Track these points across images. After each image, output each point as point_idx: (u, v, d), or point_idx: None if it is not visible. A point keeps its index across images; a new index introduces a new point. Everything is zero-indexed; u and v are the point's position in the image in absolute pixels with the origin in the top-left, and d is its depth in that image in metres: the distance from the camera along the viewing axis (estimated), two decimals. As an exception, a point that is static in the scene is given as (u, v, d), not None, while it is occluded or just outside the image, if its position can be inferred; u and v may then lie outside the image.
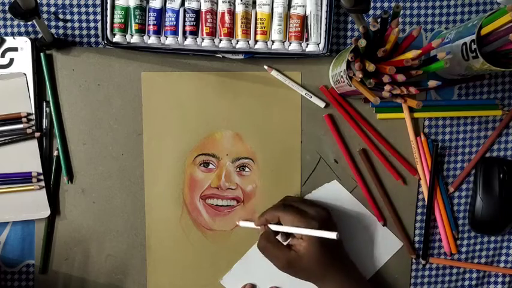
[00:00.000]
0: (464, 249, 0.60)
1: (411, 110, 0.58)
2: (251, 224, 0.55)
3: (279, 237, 0.53)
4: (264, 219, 0.53)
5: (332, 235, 0.45)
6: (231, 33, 0.55)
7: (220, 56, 0.56)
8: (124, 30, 0.54)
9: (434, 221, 0.59)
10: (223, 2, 0.54)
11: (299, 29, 0.54)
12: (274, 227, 0.52)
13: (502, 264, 0.60)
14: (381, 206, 0.59)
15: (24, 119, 0.55)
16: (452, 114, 0.58)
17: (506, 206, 0.57)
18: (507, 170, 0.57)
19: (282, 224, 0.52)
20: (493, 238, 0.60)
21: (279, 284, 0.58)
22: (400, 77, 0.44)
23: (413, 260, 0.59)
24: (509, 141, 0.59)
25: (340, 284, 0.51)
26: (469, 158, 0.59)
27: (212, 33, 0.54)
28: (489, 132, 0.59)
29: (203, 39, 0.55)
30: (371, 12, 0.57)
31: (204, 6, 0.54)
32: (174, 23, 0.54)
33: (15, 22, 0.56)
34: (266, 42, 0.55)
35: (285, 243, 0.52)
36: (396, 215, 0.59)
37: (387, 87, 0.45)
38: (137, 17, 0.53)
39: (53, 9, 0.56)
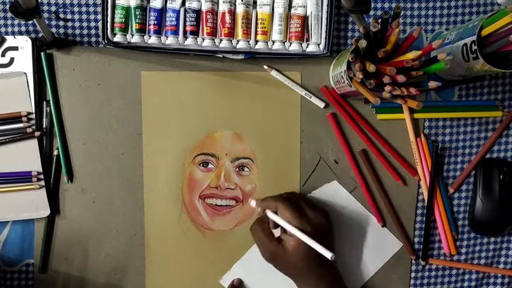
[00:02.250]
0: (463, 250, 0.60)
1: (411, 110, 0.58)
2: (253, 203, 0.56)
3: (272, 226, 0.53)
4: (264, 203, 0.54)
5: (328, 255, 0.45)
6: (231, 33, 0.55)
7: (220, 56, 0.56)
8: (124, 29, 0.54)
9: (434, 221, 0.59)
10: (224, 2, 0.54)
11: (299, 29, 0.54)
12: (271, 215, 0.52)
13: (501, 266, 0.60)
14: (381, 206, 0.59)
15: (24, 118, 0.55)
16: (452, 115, 0.58)
17: (506, 207, 0.57)
18: (507, 171, 0.57)
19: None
20: (492, 239, 0.60)
21: (278, 284, 0.58)
22: (401, 78, 0.44)
23: (413, 261, 0.59)
24: (509, 142, 0.59)
25: (317, 286, 0.51)
26: (469, 159, 0.59)
27: (213, 33, 0.55)
28: (489, 133, 0.59)
29: (203, 39, 0.55)
30: (371, 12, 0.57)
31: (205, 6, 0.54)
32: (175, 22, 0.54)
33: (16, 21, 0.56)
34: (266, 43, 0.55)
35: (276, 235, 0.52)
36: (396, 216, 0.59)
37: (387, 88, 0.45)
38: (138, 16, 0.53)
39: (53, 8, 0.56)
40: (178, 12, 0.54)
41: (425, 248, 0.59)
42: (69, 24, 0.56)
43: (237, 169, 0.58)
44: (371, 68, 0.44)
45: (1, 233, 0.57)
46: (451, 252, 0.59)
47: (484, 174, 0.58)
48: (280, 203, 0.51)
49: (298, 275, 0.52)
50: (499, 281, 0.60)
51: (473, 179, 0.59)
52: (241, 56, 0.56)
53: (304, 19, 0.55)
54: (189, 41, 0.55)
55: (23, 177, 0.55)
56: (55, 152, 0.56)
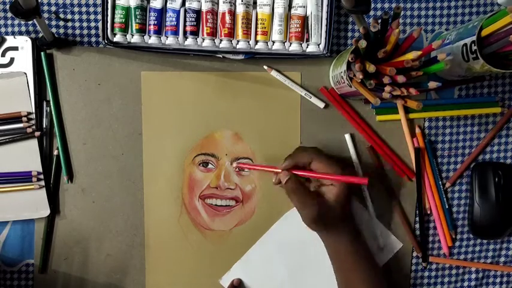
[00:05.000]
0: (463, 249, 0.60)
1: (410, 110, 0.58)
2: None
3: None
4: (292, 161, 0.51)
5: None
6: (231, 34, 0.55)
7: (220, 56, 0.56)
8: (124, 30, 0.54)
9: (434, 222, 0.59)
10: (224, 2, 0.54)
11: (299, 29, 0.54)
12: (305, 173, 0.50)
13: (501, 264, 0.60)
14: (382, 207, 0.59)
15: (24, 118, 0.55)
16: (451, 113, 0.58)
17: (503, 210, 0.57)
18: (502, 174, 0.57)
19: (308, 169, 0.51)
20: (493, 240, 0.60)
21: (279, 283, 0.58)
22: (401, 78, 0.44)
23: (413, 261, 0.59)
24: (509, 143, 0.59)
25: (348, 239, 0.51)
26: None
27: (213, 34, 0.55)
28: (489, 133, 0.59)
29: (204, 40, 0.55)
30: (371, 13, 0.57)
31: (205, 7, 0.54)
32: (175, 23, 0.54)
33: (16, 21, 0.56)
34: (266, 43, 0.55)
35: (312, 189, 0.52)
36: (399, 215, 0.59)
37: (387, 88, 0.45)
38: (138, 16, 0.53)
39: (53, 8, 0.56)
40: (178, 12, 0.54)
41: (425, 249, 0.59)
42: (69, 24, 0.56)
43: (237, 169, 0.58)
44: (371, 68, 0.44)
45: (1, 233, 0.57)
46: (448, 244, 0.59)
47: (480, 179, 0.58)
48: (315, 154, 0.50)
49: (337, 224, 0.51)
50: (498, 280, 0.61)
51: (470, 184, 0.59)
52: (241, 56, 0.56)
53: (304, 19, 0.55)
54: (189, 41, 0.55)
55: (23, 177, 0.55)
56: (55, 152, 0.56)
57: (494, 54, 0.48)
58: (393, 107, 0.58)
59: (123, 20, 0.54)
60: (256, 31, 0.55)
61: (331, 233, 0.52)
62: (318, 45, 0.55)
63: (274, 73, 0.57)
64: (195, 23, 0.54)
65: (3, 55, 0.54)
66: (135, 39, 0.54)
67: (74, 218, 0.57)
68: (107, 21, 0.53)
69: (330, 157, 0.51)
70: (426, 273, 0.60)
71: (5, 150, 0.55)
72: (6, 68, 0.55)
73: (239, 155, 0.58)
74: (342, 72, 0.50)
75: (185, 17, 0.54)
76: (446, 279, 0.60)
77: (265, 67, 0.57)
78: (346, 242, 0.51)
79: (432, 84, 0.46)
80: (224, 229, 0.59)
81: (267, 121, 0.58)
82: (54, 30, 0.56)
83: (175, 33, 0.54)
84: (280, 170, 0.51)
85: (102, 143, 0.57)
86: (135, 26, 0.54)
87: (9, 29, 0.56)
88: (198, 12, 0.54)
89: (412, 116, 0.58)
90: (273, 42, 0.55)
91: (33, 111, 0.55)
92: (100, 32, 0.54)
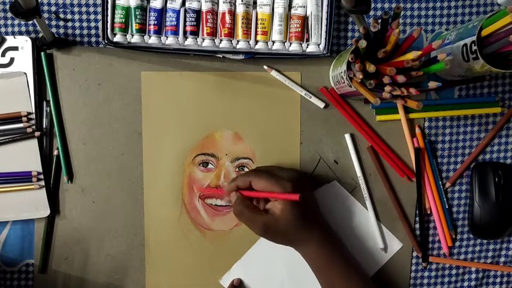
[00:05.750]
0: (463, 249, 0.60)
1: (410, 110, 0.58)
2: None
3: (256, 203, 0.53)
4: (235, 185, 0.52)
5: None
6: (231, 34, 0.55)
7: (220, 56, 0.56)
8: (124, 30, 0.54)
9: (434, 222, 0.59)
10: (224, 2, 0.54)
11: (299, 29, 0.54)
12: (247, 193, 0.51)
13: (501, 264, 0.60)
14: (382, 207, 0.59)
15: (24, 118, 0.55)
16: (451, 113, 0.58)
17: (503, 210, 0.57)
18: (502, 174, 0.57)
19: (253, 190, 0.51)
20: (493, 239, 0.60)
21: (279, 283, 0.58)
22: (401, 78, 0.44)
23: (413, 261, 0.59)
24: (509, 143, 0.59)
25: (317, 246, 0.51)
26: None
27: (213, 34, 0.54)
28: (489, 133, 0.59)
29: (204, 40, 0.55)
30: (371, 13, 0.57)
31: (205, 7, 0.54)
32: (175, 23, 0.54)
33: (16, 21, 0.56)
34: (266, 43, 0.55)
35: (261, 208, 0.52)
36: (399, 215, 0.59)
37: (387, 88, 0.45)
38: (138, 16, 0.53)
39: (53, 8, 0.56)
40: (178, 12, 0.54)
41: (425, 249, 0.59)
42: (69, 24, 0.56)
43: (237, 169, 0.58)
44: (371, 68, 0.44)
45: (1, 233, 0.57)
46: (448, 244, 0.59)
47: (479, 179, 0.58)
48: (253, 176, 0.51)
49: (296, 240, 0.51)
50: (498, 280, 0.61)
51: (469, 184, 0.59)
52: (241, 56, 0.56)
53: (304, 19, 0.55)
54: (189, 41, 0.55)
55: (23, 177, 0.55)
56: (55, 152, 0.56)
57: (494, 54, 0.48)
58: (393, 107, 0.58)
59: (123, 20, 0.54)
60: (256, 31, 0.55)
61: (294, 243, 0.52)
62: (318, 45, 0.55)
63: (274, 73, 0.57)
64: (195, 23, 0.54)
65: (3, 55, 0.54)
66: (135, 39, 0.54)
67: (74, 218, 0.57)
68: (107, 21, 0.53)
69: (271, 175, 0.50)
70: (426, 273, 0.60)
71: (5, 150, 0.55)
72: (6, 68, 0.55)
73: (239, 155, 0.58)
74: (342, 72, 0.50)
75: (185, 17, 0.54)
76: (446, 279, 0.60)
77: (265, 67, 0.57)
78: (314, 247, 0.51)
79: (432, 84, 0.46)
80: (224, 229, 0.58)
81: (267, 121, 0.58)
82: (54, 30, 0.56)
83: (175, 33, 0.54)
84: (223, 193, 0.54)
85: (102, 143, 0.57)
86: (135, 26, 0.54)
87: (9, 29, 0.56)
88: (198, 12, 0.54)
89: (412, 116, 0.58)
90: (273, 42, 0.55)
91: (33, 111, 0.55)
92: (100, 32, 0.54)
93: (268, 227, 0.50)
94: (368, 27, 0.44)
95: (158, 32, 0.54)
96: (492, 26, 0.46)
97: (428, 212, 0.59)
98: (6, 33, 0.56)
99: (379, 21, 0.44)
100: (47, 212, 0.56)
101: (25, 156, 0.55)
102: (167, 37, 0.55)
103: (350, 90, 0.51)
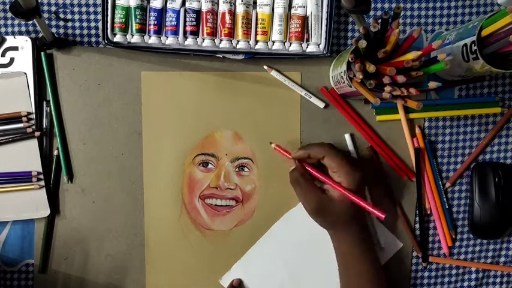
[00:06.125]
0: (463, 249, 0.60)
1: (410, 110, 0.58)
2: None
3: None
4: (305, 152, 0.51)
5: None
6: (231, 34, 0.55)
7: (220, 56, 0.56)
8: (124, 30, 0.54)
9: (434, 222, 0.59)
10: (224, 2, 0.54)
11: (299, 29, 0.54)
12: (315, 173, 0.50)
13: (501, 264, 0.60)
14: (382, 207, 0.58)
15: (24, 118, 0.55)
16: (451, 113, 0.58)
17: (503, 210, 0.57)
18: (502, 174, 0.57)
19: (320, 164, 0.51)
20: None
21: (279, 283, 0.58)
22: (401, 78, 0.44)
23: (413, 261, 0.59)
24: (509, 143, 0.59)
25: (357, 235, 0.51)
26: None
27: (213, 34, 0.54)
28: (489, 133, 0.59)
29: (204, 40, 0.55)
30: (371, 13, 0.57)
31: (205, 7, 0.54)
32: (175, 23, 0.54)
33: (16, 21, 0.56)
34: (266, 43, 0.55)
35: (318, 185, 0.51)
36: (399, 216, 0.59)
37: (387, 88, 0.45)
38: (138, 16, 0.53)
39: (53, 8, 0.56)
40: (178, 12, 0.54)
41: (425, 249, 0.59)
42: (69, 24, 0.56)
43: (237, 169, 0.58)
44: (371, 68, 0.44)
45: (1, 233, 0.57)
46: (448, 244, 0.59)
47: (479, 179, 0.58)
48: (329, 151, 0.49)
49: (343, 224, 0.51)
50: (498, 280, 0.61)
51: (469, 184, 0.59)
52: (241, 56, 0.56)
53: (304, 19, 0.55)
54: (189, 41, 0.55)
55: (23, 177, 0.55)
56: (55, 152, 0.56)
57: (494, 54, 0.48)
58: (393, 107, 0.58)
59: (123, 20, 0.54)
60: (256, 31, 0.55)
61: (334, 229, 0.52)
62: (318, 45, 0.55)
63: (274, 73, 0.57)
64: (195, 23, 0.54)
65: (3, 55, 0.54)
66: (135, 39, 0.54)
67: (74, 218, 0.57)
68: (107, 21, 0.53)
69: (344, 157, 0.50)
70: (426, 273, 0.60)
71: (5, 150, 0.55)
72: (6, 68, 0.55)
73: (239, 155, 0.58)
74: (342, 72, 0.50)
75: (185, 17, 0.54)
76: (446, 279, 0.60)
77: (265, 67, 0.57)
78: (350, 241, 0.51)
79: (432, 84, 0.46)
80: (224, 229, 0.59)
81: (267, 121, 0.58)
82: (54, 30, 0.56)
83: (175, 33, 0.54)
84: (290, 157, 0.52)
85: (102, 143, 0.57)
86: (135, 26, 0.54)
87: (9, 29, 0.56)
88: (198, 12, 0.54)
89: (412, 116, 0.58)
90: (273, 42, 0.55)
91: (33, 111, 0.55)
92: (100, 32, 0.54)
93: (322, 206, 0.49)
94: (368, 27, 0.44)
95: (158, 32, 0.54)
96: (492, 26, 0.46)
97: (428, 212, 0.59)
98: (6, 33, 0.56)
99: (379, 21, 0.44)
100: (47, 212, 0.56)
101: (25, 156, 0.55)
102: (167, 37, 0.55)
103: (350, 90, 0.51)
